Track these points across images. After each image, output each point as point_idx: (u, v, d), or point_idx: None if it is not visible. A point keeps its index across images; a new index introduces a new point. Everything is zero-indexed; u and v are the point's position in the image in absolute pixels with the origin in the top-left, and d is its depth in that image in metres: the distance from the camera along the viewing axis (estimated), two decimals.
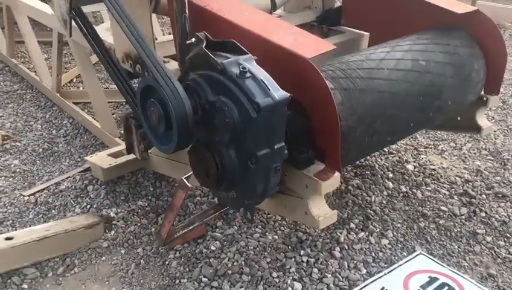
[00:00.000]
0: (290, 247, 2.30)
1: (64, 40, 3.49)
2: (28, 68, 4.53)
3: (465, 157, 3.03)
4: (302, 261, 2.21)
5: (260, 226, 2.43)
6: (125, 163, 2.71)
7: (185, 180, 1.51)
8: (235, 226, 2.43)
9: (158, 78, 1.49)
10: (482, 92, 2.32)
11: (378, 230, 2.41)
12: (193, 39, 1.61)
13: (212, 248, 2.27)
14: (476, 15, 2.20)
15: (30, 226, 2.49)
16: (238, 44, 1.59)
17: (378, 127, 1.87)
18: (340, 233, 2.36)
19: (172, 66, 2.27)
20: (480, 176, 2.83)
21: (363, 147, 1.89)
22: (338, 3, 3.03)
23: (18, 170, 3.01)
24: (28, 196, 2.73)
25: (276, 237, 2.37)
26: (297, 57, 1.65)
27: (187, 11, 1.98)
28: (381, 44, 2.11)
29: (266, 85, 1.44)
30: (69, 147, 3.28)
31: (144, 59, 1.55)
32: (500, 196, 2.64)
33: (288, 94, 1.46)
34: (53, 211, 2.61)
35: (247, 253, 2.25)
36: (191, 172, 1.55)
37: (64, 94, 3.85)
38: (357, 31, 2.83)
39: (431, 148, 3.15)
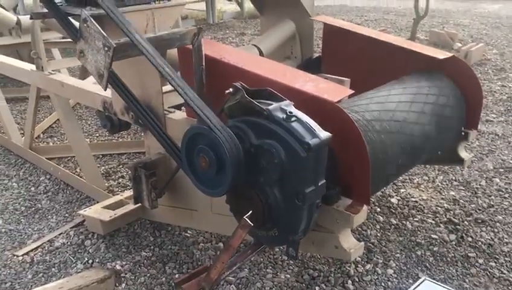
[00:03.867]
0: (304, 284, 2.38)
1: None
2: None
3: (440, 189, 3.29)
4: None
5: (270, 267, 2.49)
6: (126, 214, 2.70)
7: (247, 219, 1.57)
8: (245, 269, 2.47)
9: (211, 125, 1.57)
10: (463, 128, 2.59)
11: (381, 261, 2.54)
12: (230, 89, 1.71)
13: None
14: (453, 60, 2.49)
15: (32, 287, 2.39)
16: (274, 91, 1.72)
17: (389, 164, 2.05)
18: (349, 267, 2.47)
19: (179, 116, 2.35)
20: (458, 204, 3.08)
21: (378, 181, 2.04)
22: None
23: (3, 230, 2.88)
24: (22, 255, 2.62)
25: (288, 276, 2.43)
26: (324, 101, 1.80)
27: (204, 63, 2.11)
28: (382, 88, 2.32)
29: (311, 126, 1.57)
30: (53, 203, 3.19)
31: (195, 109, 1.63)
32: (480, 221, 2.89)
33: (330, 134, 1.59)
34: (53, 269, 2.52)
35: None
36: (250, 211, 1.62)
37: (37, 150, 3.76)
38: (338, 77, 3.05)
39: (407, 182, 3.39)
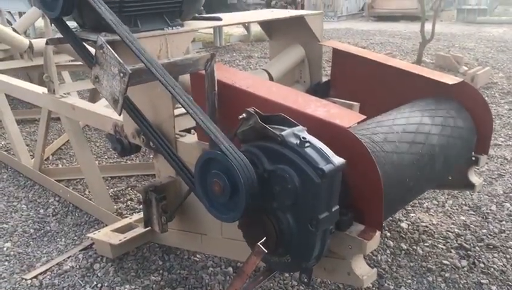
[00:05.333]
0: None
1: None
2: None
3: (450, 214, 3.26)
4: None
5: None
6: (135, 238, 2.69)
7: (261, 246, 1.56)
8: None
9: (224, 150, 1.58)
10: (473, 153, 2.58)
11: (392, 287, 2.51)
12: (244, 114, 1.73)
13: None
14: (462, 85, 2.50)
15: None
16: (287, 117, 1.73)
17: (401, 190, 2.04)
18: None
19: (190, 139, 2.37)
20: (469, 229, 3.06)
21: (390, 207, 2.04)
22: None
23: (12, 253, 2.88)
24: (31, 279, 2.60)
25: None
26: (336, 127, 1.81)
27: (216, 88, 2.13)
28: (392, 112, 2.33)
29: (325, 152, 1.57)
30: (62, 225, 3.19)
31: (209, 133, 1.65)
32: (492, 247, 2.86)
33: (344, 160, 1.60)
34: None
35: None
36: (264, 238, 1.61)
37: (46, 172, 3.78)
38: (347, 101, 3.07)
39: (417, 206, 3.37)
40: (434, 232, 3.03)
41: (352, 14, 16.08)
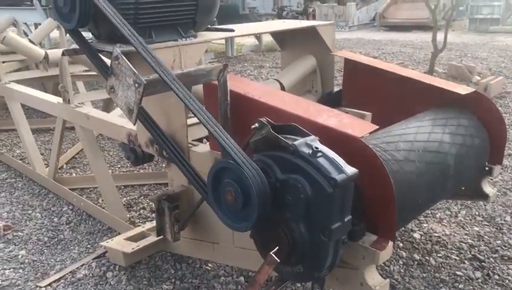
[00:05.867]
0: None
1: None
2: (12, 156, 4.49)
3: (463, 224, 3.24)
4: None
5: None
6: (147, 246, 2.70)
7: (273, 255, 1.57)
8: None
9: (237, 159, 1.59)
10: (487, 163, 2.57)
11: None
12: (256, 124, 1.74)
13: None
14: (475, 95, 2.49)
15: None
16: (299, 127, 1.74)
17: (413, 199, 2.04)
18: None
19: (203, 148, 2.38)
20: (482, 240, 3.02)
21: (403, 217, 2.03)
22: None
23: (26, 260, 2.91)
24: (45, 287, 2.63)
25: None
26: (348, 137, 1.81)
27: (229, 98, 2.15)
28: (405, 122, 2.33)
29: (337, 162, 1.58)
30: (75, 234, 3.22)
31: (221, 143, 1.66)
32: (506, 258, 2.83)
33: (357, 170, 1.60)
34: None
35: None
36: (277, 247, 1.62)
37: (61, 181, 3.82)
38: (359, 111, 3.07)
39: (430, 217, 3.34)
40: (447, 243, 3.00)
41: (363, 24, 16.10)
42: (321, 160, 1.58)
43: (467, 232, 3.14)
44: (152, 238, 2.74)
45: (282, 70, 3.40)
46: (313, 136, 1.69)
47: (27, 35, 5.62)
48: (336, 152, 1.71)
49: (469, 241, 3.02)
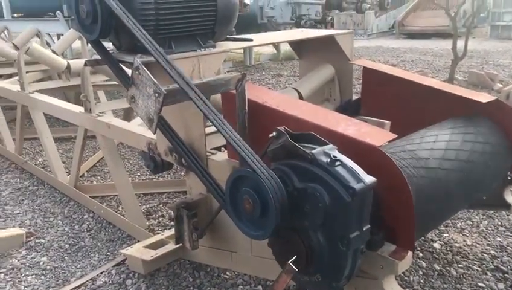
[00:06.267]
0: None
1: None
2: (35, 164, 4.58)
3: (485, 234, 3.18)
4: None
5: None
6: (166, 254, 2.72)
7: (291, 264, 1.57)
8: None
9: (255, 167, 1.60)
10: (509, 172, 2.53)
11: None
12: (274, 133, 1.75)
13: None
14: (497, 103, 2.46)
15: None
16: (317, 135, 1.74)
17: (433, 209, 2.02)
18: None
19: (221, 157, 2.40)
20: (505, 251, 2.97)
21: (423, 226, 2.01)
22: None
23: (48, 267, 2.96)
24: None
25: None
26: (367, 146, 1.81)
27: (246, 107, 2.17)
28: (424, 131, 2.31)
29: (356, 171, 1.58)
30: (95, 241, 3.26)
31: (239, 151, 1.68)
32: None
33: (375, 178, 1.59)
34: None
35: None
36: (295, 256, 1.62)
37: (82, 189, 3.88)
38: (378, 120, 3.05)
39: (450, 227, 3.30)
40: (468, 253, 2.95)
41: (382, 32, 16.05)
42: (339, 169, 1.58)
43: (489, 242, 3.08)
44: (171, 246, 2.75)
45: (300, 79, 3.41)
46: (331, 145, 1.70)
47: (50, 46, 5.76)
48: (355, 161, 1.70)
49: (491, 252, 2.97)
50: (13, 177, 4.41)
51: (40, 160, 4.85)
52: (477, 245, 3.05)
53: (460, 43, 7.03)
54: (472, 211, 3.41)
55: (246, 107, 2.16)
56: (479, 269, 2.79)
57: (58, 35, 9.05)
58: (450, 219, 3.36)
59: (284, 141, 1.71)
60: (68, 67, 4.50)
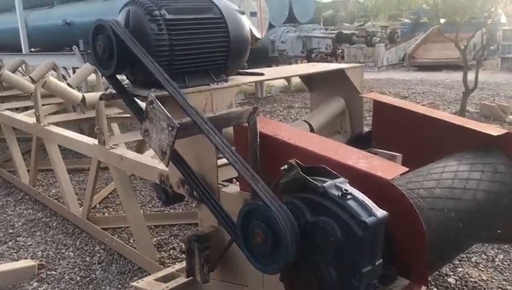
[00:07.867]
0: None
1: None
2: (48, 195, 4.63)
3: (501, 269, 3.12)
4: None
5: None
6: (177, 287, 2.70)
7: None
8: None
9: (266, 201, 1.61)
10: None
11: None
12: (285, 165, 1.77)
13: None
14: (508, 136, 2.46)
15: None
16: (328, 168, 1.75)
17: (446, 243, 1.99)
18: None
19: (233, 189, 2.41)
20: None
21: (436, 261, 1.98)
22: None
23: None
24: None
25: None
26: (378, 179, 1.81)
27: (258, 140, 2.19)
28: (436, 164, 2.30)
29: (367, 205, 1.58)
30: (106, 273, 3.26)
31: (251, 184, 1.69)
32: None
33: (387, 212, 1.59)
34: None
35: None
36: None
37: (94, 220, 3.90)
38: (390, 152, 3.06)
39: (465, 261, 3.24)
40: (484, 288, 2.89)
41: (392, 64, 16.16)
42: (351, 202, 1.58)
43: (505, 277, 3.02)
44: (182, 279, 2.73)
45: (311, 112, 3.44)
46: (342, 178, 1.70)
47: (66, 79, 5.89)
48: (366, 194, 1.70)
49: (508, 287, 2.90)
50: (26, 209, 4.46)
51: (53, 191, 4.90)
52: (493, 280, 2.99)
53: (471, 75, 7.06)
54: (487, 245, 3.35)
55: (258, 140, 2.19)
56: None
57: (74, 69, 9.26)
58: (464, 252, 3.31)
59: (295, 174, 1.72)
60: (83, 100, 4.58)
